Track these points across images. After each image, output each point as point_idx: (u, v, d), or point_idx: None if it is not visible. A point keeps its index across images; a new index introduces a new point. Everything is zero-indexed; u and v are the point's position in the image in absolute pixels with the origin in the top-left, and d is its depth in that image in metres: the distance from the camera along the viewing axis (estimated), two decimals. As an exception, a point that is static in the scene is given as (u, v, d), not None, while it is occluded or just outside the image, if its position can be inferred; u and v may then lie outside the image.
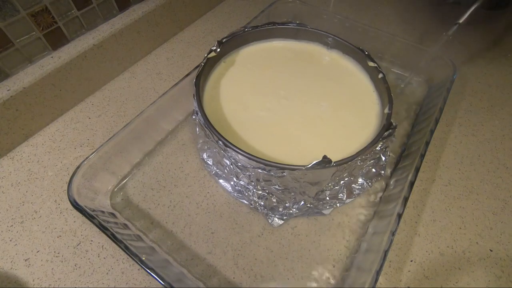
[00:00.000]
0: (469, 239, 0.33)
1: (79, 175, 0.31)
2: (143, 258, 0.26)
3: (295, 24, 0.43)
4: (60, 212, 0.34)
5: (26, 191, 0.35)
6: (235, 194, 0.34)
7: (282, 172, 0.28)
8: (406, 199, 0.30)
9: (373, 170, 0.34)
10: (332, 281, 0.30)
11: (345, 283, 0.29)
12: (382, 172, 0.35)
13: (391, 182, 0.35)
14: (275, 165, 0.28)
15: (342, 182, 0.32)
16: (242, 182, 0.32)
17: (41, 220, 0.33)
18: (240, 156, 0.29)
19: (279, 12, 0.52)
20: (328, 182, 0.30)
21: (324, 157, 0.26)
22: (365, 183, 0.34)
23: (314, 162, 0.26)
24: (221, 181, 0.35)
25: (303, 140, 0.34)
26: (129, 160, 0.37)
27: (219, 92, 0.38)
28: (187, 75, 0.39)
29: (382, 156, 0.34)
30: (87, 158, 0.32)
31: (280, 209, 0.33)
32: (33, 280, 0.30)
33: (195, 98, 0.33)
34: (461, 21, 0.36)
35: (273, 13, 0.51)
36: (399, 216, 0.29)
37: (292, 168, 0.27)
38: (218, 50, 0.37)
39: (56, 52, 0.40)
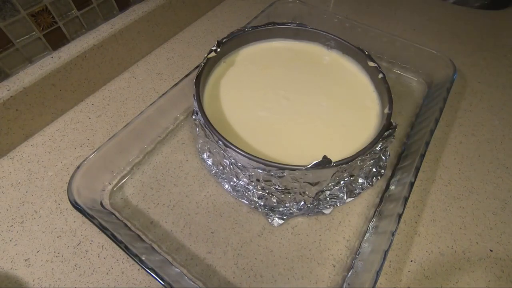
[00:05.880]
0: (469, 239, 0.33)
1: (79, 175, 0.31)
2: (143, 258, 0.26)
3: (295, 24, 0.43)
4: (60, 212, 0.34)
5: (26, 191, 0.35)
6: (235, 194, 0.34)
7: (282, 172, 0.28)
8: (406, 199, 0.30)
9: (373, 170, 0.34)
10: (332, 281, 0.30)
11: (345, 283, 0.29)
12: (382, 172, 0.35)
13: (391, 182, 0.35)
14: (275, 165, 0.28)
15: (342, 182, 0.32)
16: (242, 182, 0.32)
17: (41, 220, 0.33)
18: (240, 156, 0.29)
19: (279, 12, 0.52)
20: (328, 182, 0.30)
21: (324, 157, 0.26)
22: (365, 183, 0.34)
23: (314, 162, 0.26)
24: (221, 181, 0.35)
25: (303, 140, 0.34)
26: (129, 159, 0.37)
27: (219, 92, 0.38)
28: (187, 75, 0.39)
29: (382, 156, 0.34)
30: (87, 158, 0.32)
31: (280, 209, 0.33)
32: (33, 280, 0.30)
33: (195, 98, 0.33)
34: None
35: (273, 13, 0.51)
36: (399, 216, 0.29)
37: (292, 168, 0.27)
38: (218, 50, 0.37)
39: (56, 52, 0.40)
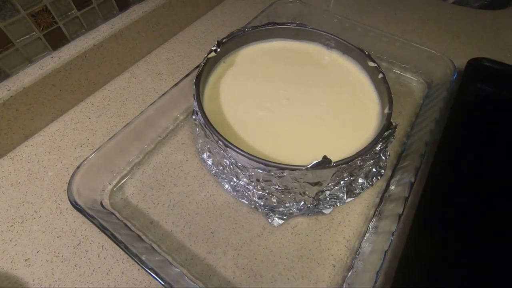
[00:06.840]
0: (469, 239, 0.33)
1: (79, 175, 0.31)
2: (143, 258, 0.26)
3: (295, 24, 0.43)
4: (60, 212, 0.34)
5: (26, 191, 0.35)
6: (235, 194, 0.34)
7: (282, 172, 0.28)
8: (406, 199, 0.30)
9: (373, 170, 0.34)
10: (332, 281, 0.30)
11: (345, 283, 0.29)
12: (382, 172, 0.35)
13: (391, 182, 0.35)
14: (275, 165, 0.27)
15: (342, 182, 0.32)
16: (242, 182, 0.32)
17: (41, 220, 0.33)
18: (240, 156, 0.29)
19: (279, 12, 0.52)
20: (328, 182, 0.30)
21: (324, 157, 0.26)
22: (365, 183, 0.34)
23: (314, 162, 0.26)
24: (221, 181, 0.35)
25: (303, 140, 0.34)
26: (129, 159, 0.37)
27: (219, 92, 0.38)
28: (187, 75, 0.39)
29: (382, 156, 0.34)
30: (87, 158, 0.32)
31: (280, 209, 0.33)
32: (33, 280, 0.30)
33: (195, 98, 0.33)
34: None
35: (273, 13, 0.51)
36: (399, 216, 0.29)
37: (292, 168, 0.27)
38: (218, 50, 0.37)
39: (56, 52, 0.40)
